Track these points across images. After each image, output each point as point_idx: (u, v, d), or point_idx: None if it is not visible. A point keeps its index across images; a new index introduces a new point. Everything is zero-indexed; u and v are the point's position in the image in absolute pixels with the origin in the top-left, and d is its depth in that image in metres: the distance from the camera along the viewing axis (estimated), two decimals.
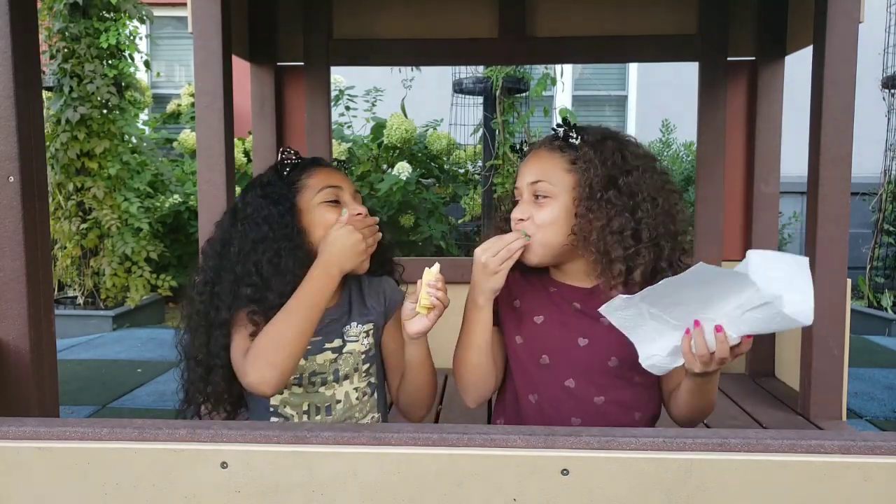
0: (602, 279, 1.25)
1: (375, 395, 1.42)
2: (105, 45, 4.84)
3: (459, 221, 5.85)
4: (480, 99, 5.57)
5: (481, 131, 5.49)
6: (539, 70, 5.49)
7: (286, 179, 1.34)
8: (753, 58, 2.97)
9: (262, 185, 1.34)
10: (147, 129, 6.39)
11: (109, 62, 4.97)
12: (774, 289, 0.99)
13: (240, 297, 1.27)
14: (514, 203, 1.32)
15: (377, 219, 1.37)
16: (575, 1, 2.97)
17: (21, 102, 1.39)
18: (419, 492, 0.88)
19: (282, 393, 1.34)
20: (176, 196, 5.72)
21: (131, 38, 5.06)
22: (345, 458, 0.89)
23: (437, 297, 1.20)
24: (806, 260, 1.03)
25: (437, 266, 1.23)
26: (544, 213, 1.25)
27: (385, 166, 5.73)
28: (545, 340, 1.30)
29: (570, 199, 1.24)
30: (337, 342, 1.36)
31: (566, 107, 6.00)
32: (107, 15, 4.94)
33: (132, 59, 5.10)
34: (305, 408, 1.35)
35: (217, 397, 1.34)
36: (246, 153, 5.71)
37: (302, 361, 1.31)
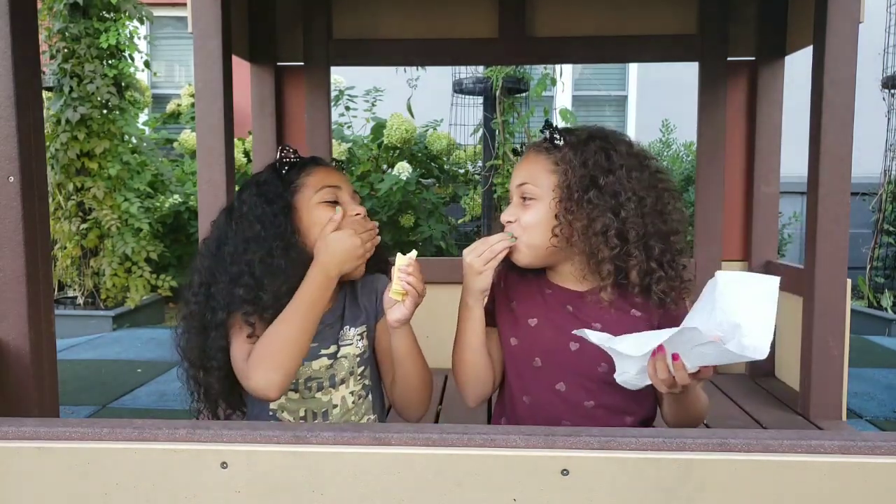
0: (592, 280, 1.25)
1: (370, 396, 1.41)
2: (105, 46, 4.84)
3: (459, 221, 5.85)
4: (480, 99, 5.57)
5: (481, 131, 5.49)
6: (539, 70, 5.49)
7: (284, 178, 1.33)
8: (753, 58, 2.97)
9: (258, 184, 1.33)
10: (147, 130, 6.39)
11: (109, 62, 4.97)
12: (735, 318, 1.00)
13: (235, 298, 1.26)
14: None
15: (376, 223, 1.36)
16: (575, 1, 2.97)
17: (21, 102, 1.39)
18: (419, 492, 0.88)
19: (279, 398, 1.33)
20: (176, 196, 5.72)
21: (131, 38, 5.06)
22: (345, 458, 0.89)
23: (408, 282, 1.19)
24: (775, 283, 1.03)
25: (412, 252, 1.23)
26: (529, 214, 1.26)
27: (385, 166, 5.73)
28: (538, 343, 1.30)
29: (553, 201, 1.24)
30: (332, 348, 1.35)
31: (566, 107, 5.99)
32: (107, 15, 4.94)
33: (132, 59, 5.10)
34: (302, 413, 1.35)
35: (214, 398, 1.34)
36: (246, 153, 5.71)
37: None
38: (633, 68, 7.41)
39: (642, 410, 1.31)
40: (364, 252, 1.31)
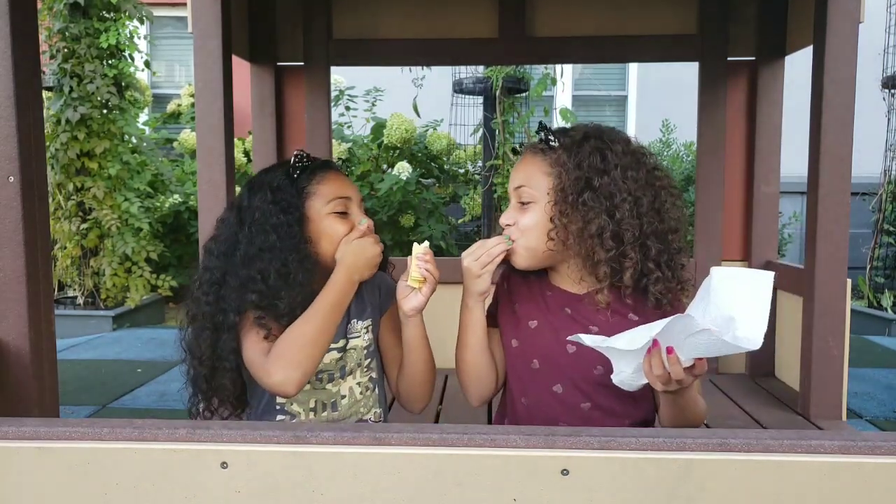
0: (590, 282, 1.25)
1: (377, 390, 1.44)
2: (105, 45, 4.84)
3: (459, 221, 5.85)
4: (480, 99, 5.57)
5: (481, 131, 5.49)
6: (539, 70, 5.49)
7: (296, 184, 1.33)
8: (753, 58, 2.97)
9: (272, 190, 1.32)
10: (147, 129, 6.39)
11: (109, 62, 4.97)
12: (729, 311, 1.01)
13: (247, 302, 1.27)
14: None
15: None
16: (575, 1, 2.97)
17: (21, 102, 1.39)
18: (419, 492, 0.88)
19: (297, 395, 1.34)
20: (176, 196, 5.73)
21: (131, 38, 5.06)
22: (345, 458, 0.89)
23: (426, 268, 1.24)
24: (769, 277, 1.04)
25: (425, 243, 1.28)
26: (526, 217, 1.26)
27: (385, 166, 5.74)
28: (537, 345, 1.30)
29: (549, 204, 1.24)
30: (341, 341, 1.37)
31: (566, 107, 5.99)
32: (107, 15, 4.95)
33: (132, 59, 5.11)
34: (312, 404, 1.37)
35: (222, 397, 1.35)
36: (246, 153, 5.71)
37: None
38: (633, 68, 7.41)
39: (639, 413, 1.31)
40: (380, 260, 1.35)
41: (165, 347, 4.57)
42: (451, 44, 3.03)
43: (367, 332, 1.41)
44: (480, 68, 5.40)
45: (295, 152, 1.37)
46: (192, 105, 6.20)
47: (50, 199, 4.69)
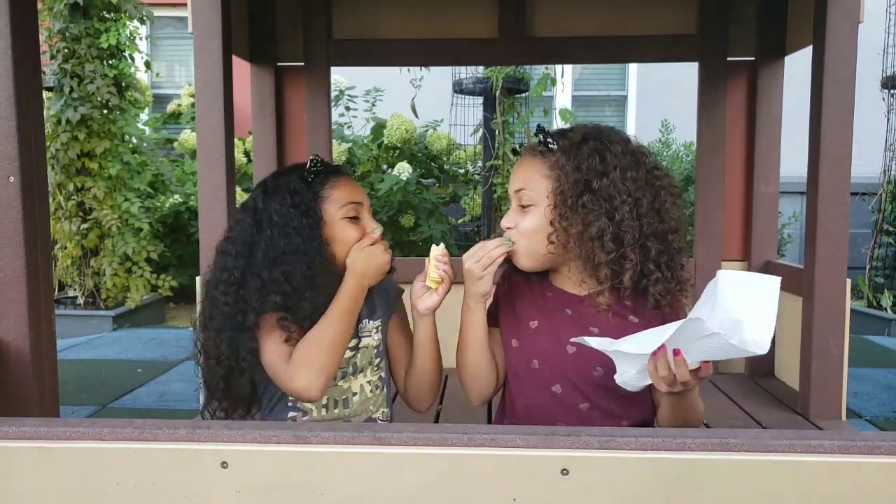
0: (591, 284, 1.25)
1: (385, 389, 1.46)
2: (105, 46, 4.85)
3: (459, 221, 5.85)
4: (480, 99, 5.57)
5: (481, 131, 5.49)
6: (539, 70, 5.49)
7: (311, 188, 1.36)
8: (753, 58, 2.97)
9: (290, 193, 1.34)
10: (147, 130, 6.39)
11: (110, 62, 4.97)
12: (736, 315, 1.01)
13: (268, 303, 1.29)
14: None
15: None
16: (575, 1, 2.97)
17: (21, 102, 1.39)
18: (419, 492, 0.88)
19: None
20: (176, 196, 5.73)
21: (131, 38, 5.06)
22: (345, 458, 0.89)
23: (444, 269, 1.28)
24: (776, 282, 1.04)
25: (442, 244, 1.33)
26: (527, 221, 1.26)
27: (385, 166, 5.74)
28: (537, 345, 1.31)
29: (548, 207, 1.24)
30: (353, 340, 1.39)
31: (566, 107, 5.99)
32: (107, 15, 4.95)
33: (132, 59, 5.11)
34: (325, 401, 1.38)
35: (237, 397, 1.36)
36: (246, 153, 5.71)
37: None
38: (633, 68, 7.41)
39: (637, 414, 1.31)
40: (388, 267, 1.40)
41: (166, 347, 4.58)
42: (451, 44, 3.03)
43: (377, 331, 1.44)
44: (480, 68, 5.40)
45: (311, 157, 1.39)
46: (192, 105, 6.20)
47: (50, 199, 4.69)
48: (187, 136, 6.11)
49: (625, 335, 1.13)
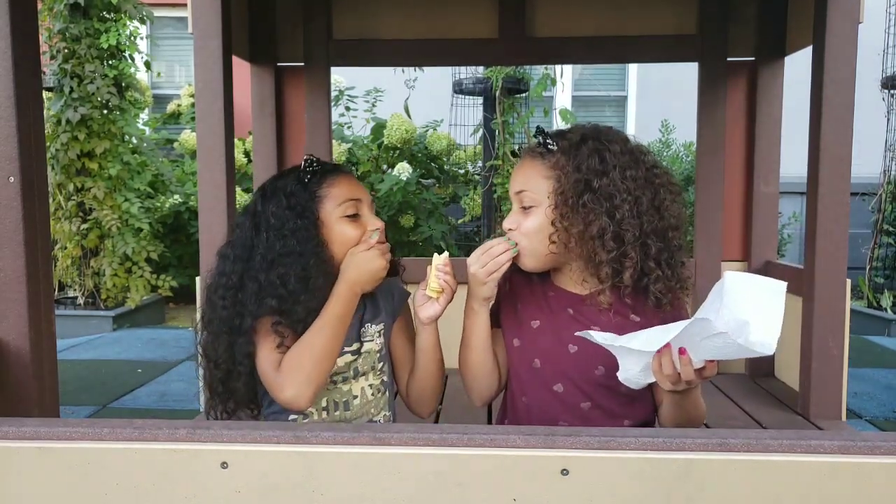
0: (593, 283, 1.25)
1: (387, 393, 1.45)
2: (105, 46, 4.85)
3: (459, 222, 5.85)
4: (480, 99, 5.57)
5: (481, 132, 5.49)
6: (539, 70, 5.49)
7: (308, 188, 1.34)
8: (753, 58, 2.97)
9: (286, 195, 1.33)
10: (147, 130, 6.39)
11: (110, 62, 4.97)
12: (743, 316, 1.01)
13: (265, 307, 1.28)
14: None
15: (387, 245, 1.39)
16: (575, 1, 2.97)
17: (21, 103, 1.39)
18: (419, 492, 0.88)
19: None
20: (176, 196, 5.73)
21: (131, 38, 5.06)
22: (345, 458, 0.89)
23: (445, 279, 1.26)
24: (783, 286, 1.05)
25: (445, 253, 1.31)
26: (529, 222, 1.26)
27: (385, 167, 5.74)
28: (538, 344, 1.31)
29: (549, 208, 1.24)
30: (355, 345, 1.38)
31: (566, 107, 5.99)
32: (107, 15, 4.95)
33: (132, 59, 5.11)
34: (325, 404, 1.37)
35: (237, 399, 1.35)
36: (246, 153, 5.71)
37: None
38: (633, 68, 7.41)
39: (639, 414, 1.31)
40: (385, 272, 1.35)
41: (165, 347, 4.58)
42: (451, 44, 3.03)
43: (380, 335, 1.42)
44: (480, 69, 5.40)
45: (305, 157, 1.37)
46: (192, 105, 6.20)
47: (50, 200, 4.69)
48: (187, 137, 6.11)
49: (626, 334, 1.13)
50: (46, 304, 1.47)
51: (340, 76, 5.73)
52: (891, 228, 5.48)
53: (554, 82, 5.34)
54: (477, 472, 0.88)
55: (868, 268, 5.52)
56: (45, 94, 4.83)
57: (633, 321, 1.26)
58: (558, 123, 5.67)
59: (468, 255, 1.30)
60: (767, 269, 2.90)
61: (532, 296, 1.34)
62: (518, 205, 1.28)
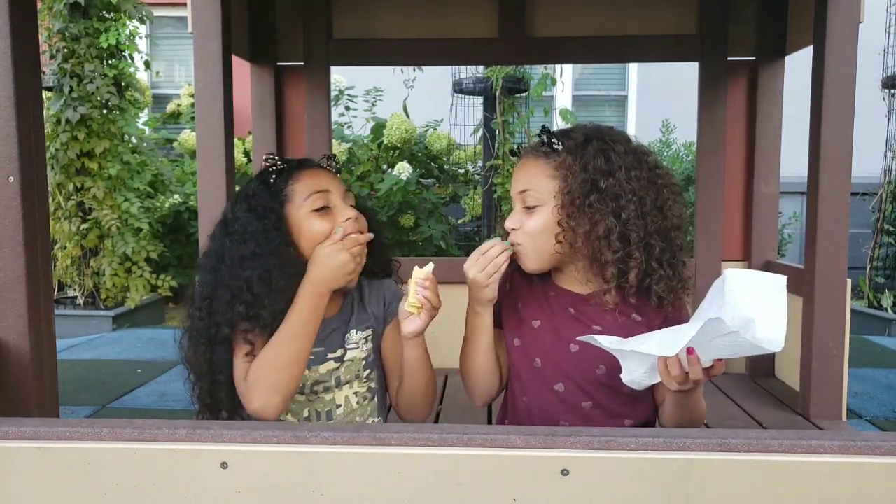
0: (596, 283, 1.25)
1: (376, 399, 1.41)
2: (105, 45, 4.84)
3: (459, 221, 5.85)
4: (480, 99, 5.57)
5: (481, 131, 5.49)
6: (539, 70, 5.49)
7: (272, 188, 1.30)
8: (753, 58, 2.97)
9: (247, 198, 1.30)
10: (147, 129, 6.38)
11: (109, 62, 4.97)
12: (747, 313, 1.01)
13: (235, 315, 1.25)
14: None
15: (368, 235, 1.32)
16: (575, 1, 2.97)
17: (21, 102, 1.39)
18: (419, 492, 0.88)
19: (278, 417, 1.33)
20: (176, 196, 5.72)
21: (131, 38, 5.05)
22: (345, 458, 0.89)
23: (423, 295, 1.20)
24: (783, 281, 1.05)
25: (429, 266, 1.23)
26: (533, 221, 1.25)
27: (385, 166, 5.73)
28: (540, 344, 1.31)
29: (555, 207, 1.24)
30: (339, 351, 1.35)
31: (566, 107, 5.99)
32: (107, 15, 4.94)
33: (132, 59, 5.10)
34: (306, 414, 1.35)
35: (226, 408, 1.33)
36: (246, 153, 5.71)
37: (305, 372, 1.29)
38: (633, 68, 7.41)
39: (640, 413, 1.31)
40: (355, 266, 1.28)
41: (165, 347, 4.57)
42: (451, 44, 3.03)
43: (367, 342, 1.38)
44: (480, 68, 5.40)
45: (264, 156, 1.33)
46: (192, 105, 6.19)
47: (50, 199, 4.69)
48: (187, 136, 6.11)
49: (629, 333, 1.13)
50: (46, 304, 1.47)
51: (340, 76, 5.73)
52: (891, 228, 5.48)
53: (554, 82, 5.34)
54: (477, 472, 0.88)
55: (868, 268, 5.52)
56: (44, 94, 4.83)
57: (635, 321, 1.26)
58: (558, 123, 5.67)
59: (468, 255, 1.29)
60: (767, 269, 2.90)
61: (533, 296, 1.34)
62: (521, 204, 1.28)
